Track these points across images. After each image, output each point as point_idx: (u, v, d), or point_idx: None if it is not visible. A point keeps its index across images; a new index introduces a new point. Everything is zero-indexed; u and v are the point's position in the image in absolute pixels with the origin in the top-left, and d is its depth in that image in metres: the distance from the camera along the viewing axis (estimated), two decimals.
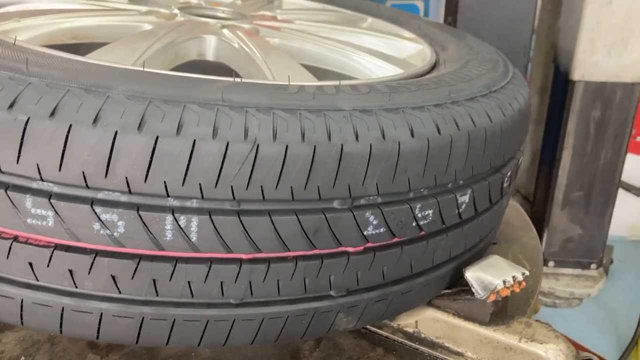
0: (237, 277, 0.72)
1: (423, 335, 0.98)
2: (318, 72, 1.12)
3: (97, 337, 0.74)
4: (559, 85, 2.52)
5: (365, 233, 0.76)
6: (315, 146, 0.69)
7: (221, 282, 0.72)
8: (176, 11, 1.18)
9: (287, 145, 0.68)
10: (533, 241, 1.33)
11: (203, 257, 0.71)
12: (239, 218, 0.69)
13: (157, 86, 0.69)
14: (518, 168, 1.05)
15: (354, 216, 0.75)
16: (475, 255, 0.99)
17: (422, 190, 0.80)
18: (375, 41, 1.29)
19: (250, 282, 0.73)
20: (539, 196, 2.78)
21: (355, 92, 0.79)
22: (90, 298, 0.72)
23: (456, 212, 0.85)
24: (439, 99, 0.83)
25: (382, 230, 0.78)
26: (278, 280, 0.74)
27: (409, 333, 0.99)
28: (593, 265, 2.73)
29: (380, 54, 1.16)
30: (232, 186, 0.67)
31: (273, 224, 0.71)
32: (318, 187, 0.71)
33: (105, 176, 0.65)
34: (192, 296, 0.72)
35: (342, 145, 0.70)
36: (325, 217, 0.73)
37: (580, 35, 2.28)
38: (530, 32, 2.25)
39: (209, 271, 0.71)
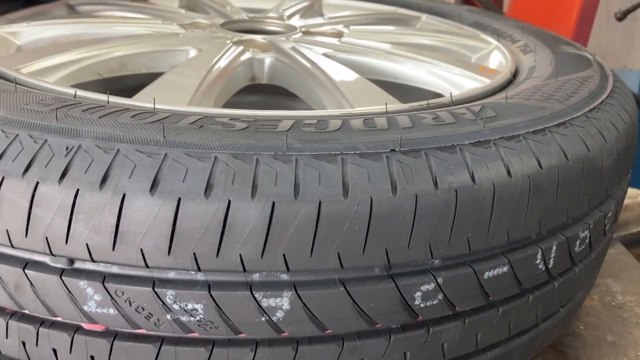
0: None
1: None
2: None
3: None
4: None
5: (85, 309, 0.56)
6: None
7: None
8: (217, 21, 1.09)
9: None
10: None
11: None
12: None
13: None
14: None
15: (63, 281, 0.55)
16: None
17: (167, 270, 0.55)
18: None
19: None
20: None
21: (136, 120, 0.58)
22: None
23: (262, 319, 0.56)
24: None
25: (111, 311, 0.56)
26: None
27: None
28: None
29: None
30: None
31: None
32: (7, 230, 0.55)
33: None
34: None
35: (36, 182, 0.53)
36: (25, 273, 0.56)
37: None
38: None
39: None
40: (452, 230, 0.58)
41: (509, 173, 0.61)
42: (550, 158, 0.64)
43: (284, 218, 0.53)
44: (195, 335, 0.58)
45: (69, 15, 1.12)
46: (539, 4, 2.40)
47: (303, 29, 1.11)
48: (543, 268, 0.68)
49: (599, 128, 0.73)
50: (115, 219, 0.53)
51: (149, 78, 0.93)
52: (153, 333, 0.58)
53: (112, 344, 0.58)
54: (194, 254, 0.53)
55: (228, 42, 0.98)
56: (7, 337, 0.61)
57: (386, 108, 0.69)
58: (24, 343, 0.60)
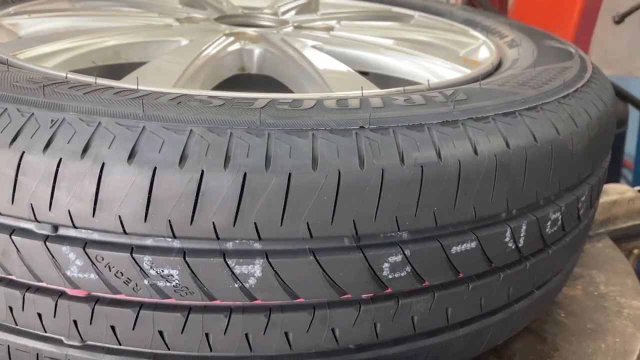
0: None
1: None
2: None
3: None
4: None
5: (68, 274, 0.59)
6: None
7: None
8: (212, 16, 1.13)
9: None
10: None
11: None
12: None
13: None
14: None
15: (47, 247, 0.59)
16: None
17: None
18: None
19: None
20: None
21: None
22: None
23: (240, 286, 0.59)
24: None
25: (92, 276, 0.59)
26: None
27: None
28: None
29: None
30: None
31: None
32: None
33: None
34: None
35: (22, 152, 0.56)
36: (12, 240, 0.59)
37: None
38: None
39: None
40: (417, 203, 0.61)
41: (475, 151, 0.63)
42: (518, 139, 0.67)
43: (255, 188, 0.56)
44: (172, 300, 0.60)
45: (69, 9, 1.16)
46: (541, 7, 2.43)
47: (295, 24, 1.14)
48: (513, 247, 0.70)
49: (570, 113, 0.75)
50: (95, 186, 0.56)
51: None
52: (132, 298, 0.61)
53: (93, 309, 0.61)
54: (169, 221, 0.56)
55: (220, 34, 1.02)
56: None
57: (362, 92, 0.72)
58: (11, 308, 0.63)
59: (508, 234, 0.69)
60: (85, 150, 0.56)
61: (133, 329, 0.61)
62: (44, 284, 0.62)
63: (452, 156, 0.62)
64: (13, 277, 0.62)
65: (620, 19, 2.12)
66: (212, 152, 0.56)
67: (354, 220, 0.59)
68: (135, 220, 0.56)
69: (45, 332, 0.64)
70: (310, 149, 0.58)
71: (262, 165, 0.56)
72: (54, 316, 0.62)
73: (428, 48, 1.12)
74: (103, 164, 0.55)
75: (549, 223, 0.74)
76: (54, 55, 0.86)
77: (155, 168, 0.55)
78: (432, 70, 0.96)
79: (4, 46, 0.84)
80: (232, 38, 0.98)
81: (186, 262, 0.58)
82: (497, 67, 0.97)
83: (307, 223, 0.58)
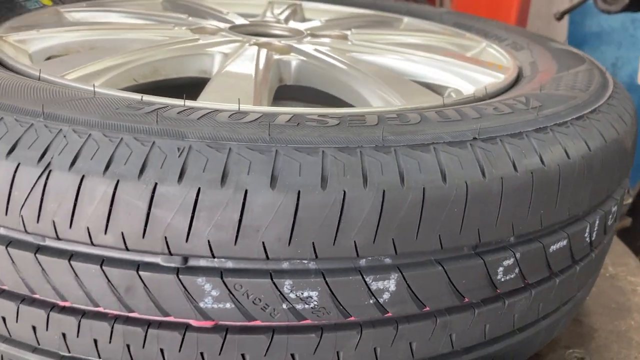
0: (47, 324, 0.61)
1: None
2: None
3: None
4: None
5: (201, 305, 0.58)
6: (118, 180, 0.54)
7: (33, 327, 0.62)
8: (222, 25, 1.11)
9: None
10: None
11: None
12: (35, 256, 0.58)
13: None
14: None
15: (180, 280, 0.57)
16: None
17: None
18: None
19: (64, 334, 0.61)
20: None
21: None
22: None
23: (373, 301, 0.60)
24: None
25: (227, 305, 0.58)
26: (95, 340, 0.61)
27: None
28: None
29: None
30: (22, 216, 0.57)
31: (73, 269, 0.58)
32: (122, 233, 0.55)
33: None
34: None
35: (155, 183, 0.54)
36: (139, 275, 0.57)
37: None
38: None
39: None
40: (529, 208, 0.64)
41: (567, 155, 0.68)
42: (594, 141, 0.72)
43: (393, 205, 0.57)
44: (305, 322, 0.60)
45: (79, 23, 1.09)
46: (480, 5, 2.55)
47: (308, 32, 1.14)
48: (588, 241, 0.75)
49: (619, 113, 0.81)
50: (239, 214, 0.55)
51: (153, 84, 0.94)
52: (265, 324, 0.60)
53: (224, 338, 0.60)
54: (313, 243, 0.56)
55: (247, 44, 1.00)
56: (110, 342, 0.61)
57: (443, 101, 0.75)
58: (128, 346, 0.61)
59: (587, 229, 0.74)
60: (224, 177, 0.55)
61: (265, 354, 0.61)
62: (169, 318, 0.59)
63: (552, 161, 0.66)
64: (133, 314, 0.59)
65: (560, 16, 2.28)
66: (350, 172, 0.57)
67: (478, 229, 0.61)
68: (280, 246, 0.56)
69: None
70: (436, 163, 0.60)
71: (398, 182, 0.58)
72: (179, 350, 0.60)
73: (436, 51, 1.16)
74: (246, 191, 0.54)
75: (610, 216, 0.80)
76: (99, 74, 0.82)
77: (299, 192, 0.55)
78: (464, 75, 0.99)
79: (46, 68, 0.78)
80: (265, 49, 0.97)
81: (326, 283, 0.58)
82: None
83: (439, 235, 0.60)
